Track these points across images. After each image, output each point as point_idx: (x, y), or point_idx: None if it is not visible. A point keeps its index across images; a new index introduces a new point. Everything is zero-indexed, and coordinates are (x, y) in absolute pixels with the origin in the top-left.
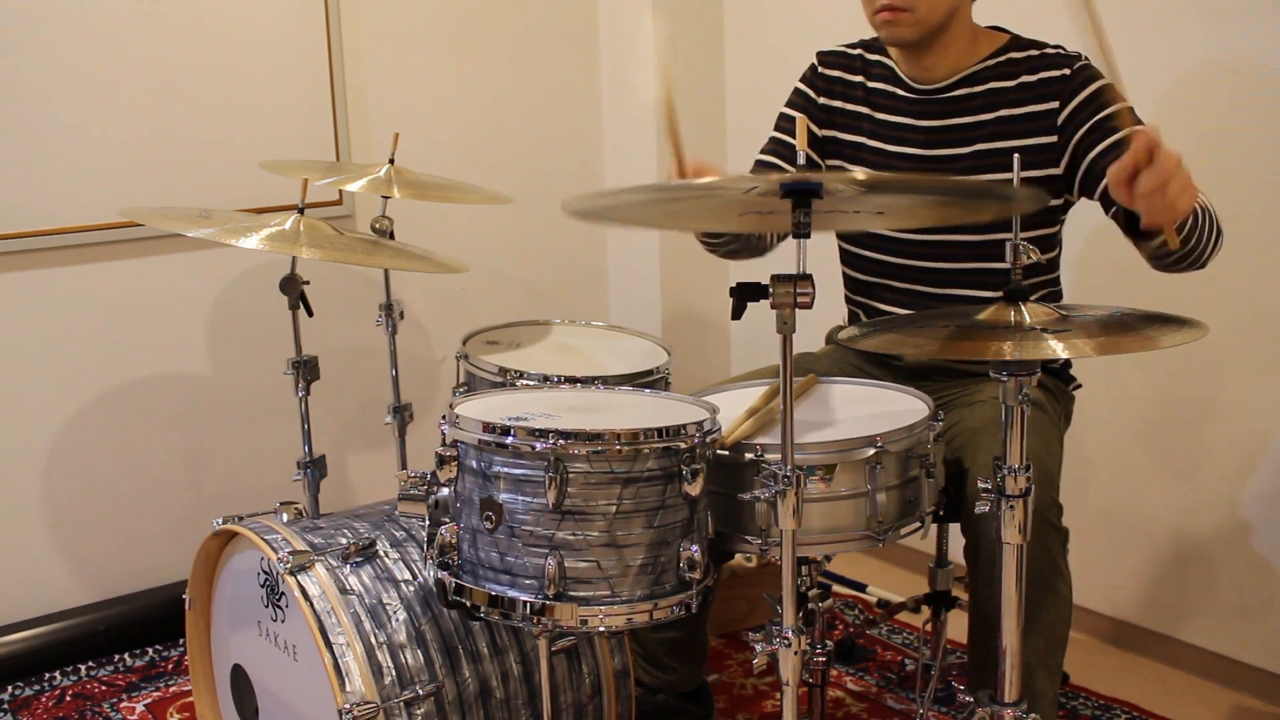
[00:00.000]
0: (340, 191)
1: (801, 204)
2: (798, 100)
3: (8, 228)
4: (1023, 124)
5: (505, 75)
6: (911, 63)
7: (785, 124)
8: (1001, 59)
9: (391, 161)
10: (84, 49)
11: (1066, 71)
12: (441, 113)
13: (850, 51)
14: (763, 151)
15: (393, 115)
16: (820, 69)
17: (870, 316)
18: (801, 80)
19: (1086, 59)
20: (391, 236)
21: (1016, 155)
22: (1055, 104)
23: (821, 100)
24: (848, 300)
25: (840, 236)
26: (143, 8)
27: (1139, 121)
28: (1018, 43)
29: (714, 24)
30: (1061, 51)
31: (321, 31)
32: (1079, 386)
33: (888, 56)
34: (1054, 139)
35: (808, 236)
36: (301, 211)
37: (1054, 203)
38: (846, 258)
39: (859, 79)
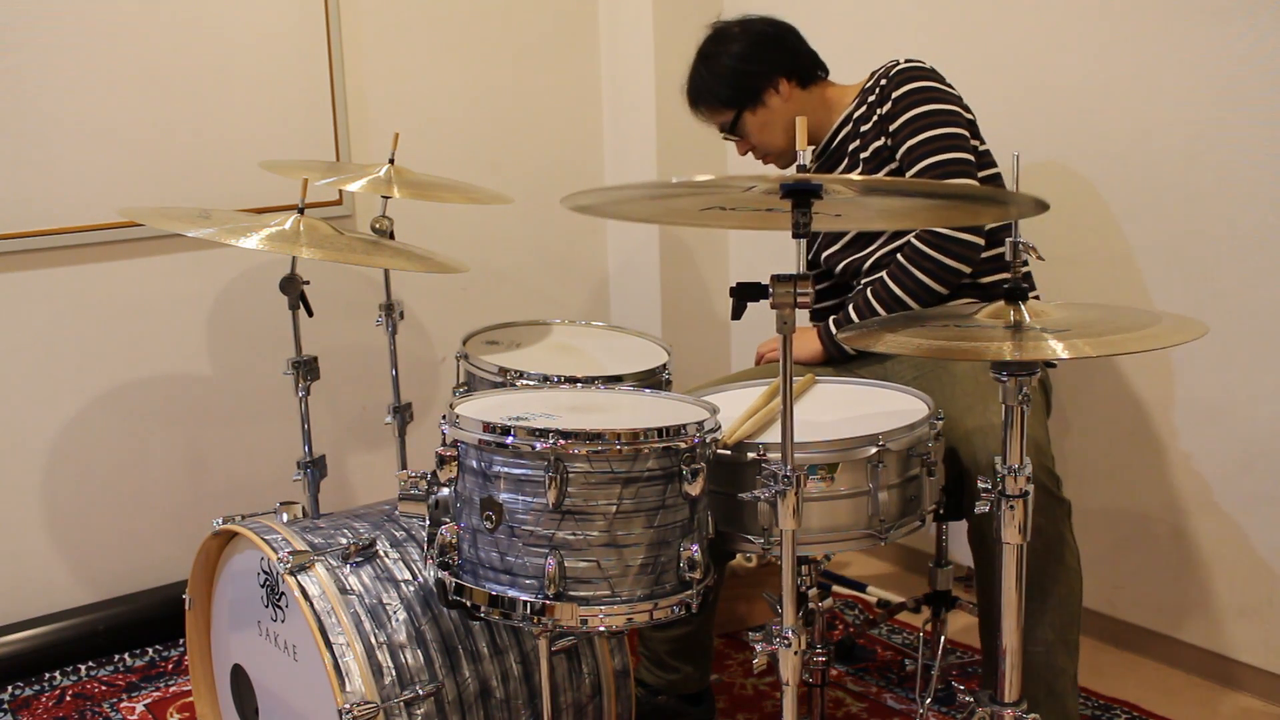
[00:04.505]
0: (340, 191)
1: (801, 204)
2: None
3: (8, 228)
4: (870, 132)
5: (505, 75)
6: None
7: None
8: (860, 93)
9: (391, 161)
10: (84, 49)
11: (884, 80)
12: (441, 113)
13: None
14: None
15: (393, 115)
16: None
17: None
18: None
19: (908, 63)
20: (391, 236)
21: (1016, 155)
22: (879, 109)
23: None
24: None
25: None
26: (142, 8)
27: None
28: (873, 74)
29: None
30: (888, 63)
31: (321, 31)
32: (1052, 365)
33: None
34: (884, 140)
35: (807, 236)
36: (301, 211)
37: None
38: None
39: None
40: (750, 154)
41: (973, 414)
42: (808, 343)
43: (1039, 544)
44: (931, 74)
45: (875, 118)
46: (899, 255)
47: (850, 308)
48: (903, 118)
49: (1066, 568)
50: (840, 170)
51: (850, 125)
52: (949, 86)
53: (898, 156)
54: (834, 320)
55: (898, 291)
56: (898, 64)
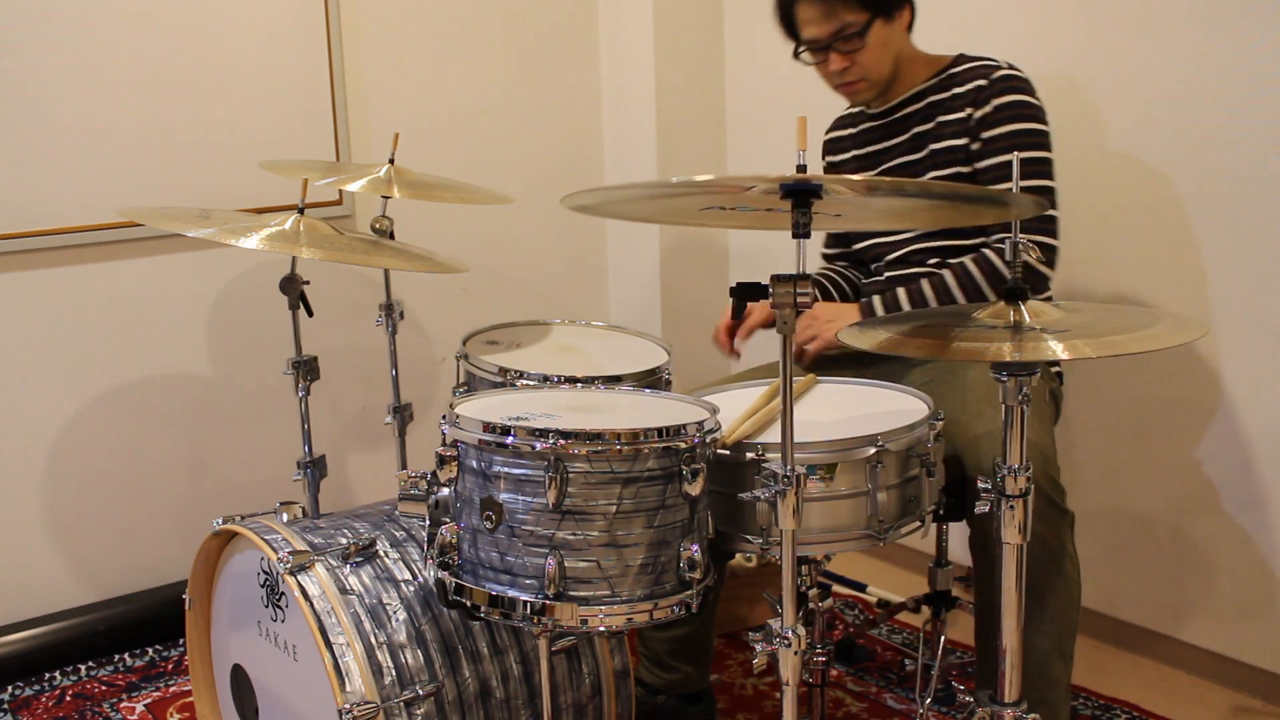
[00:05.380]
0: (340, 191)
1: (801, 205)
2: (826, 171)
3: (8, 228)
4: (951, 127)
5: (505, 75)
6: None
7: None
8: (943, 76)
9: (391, 161)
10: (84, 49)
11: (983, 82)
12: (441, 113)
13: (846, 113)
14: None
15: (393, 115)
16: (825, 136)
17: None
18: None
19: (1011, 70)
20: (391, 236)
21: (1016, 156)
22: (971, 110)
23: (826, 160)
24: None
25: None
26: (143, 8)
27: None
28: (960, 59)
29: (714, 24)
30: (987, 62)
31: (321, 31)
32: (1059, 370)
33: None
34: (965, 141)
35: (808, 236)
36: (301, 211)
37: None
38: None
39: (849, 131)
40: (842, 74)
41: (982, 420)
42: (847, 318)
43: (1039, 553)
44: (1032, 89)
45: (964, 115)
46: (969, 261)
47: (902, 293)
48: (1001, 129)
49: (1066, 578)
50: (900, 146)
51: (922, 105)
52: (1042, 103)
53: (979, 165)
54: (882, 302)
55: (959, 297)
56: (999, 67)
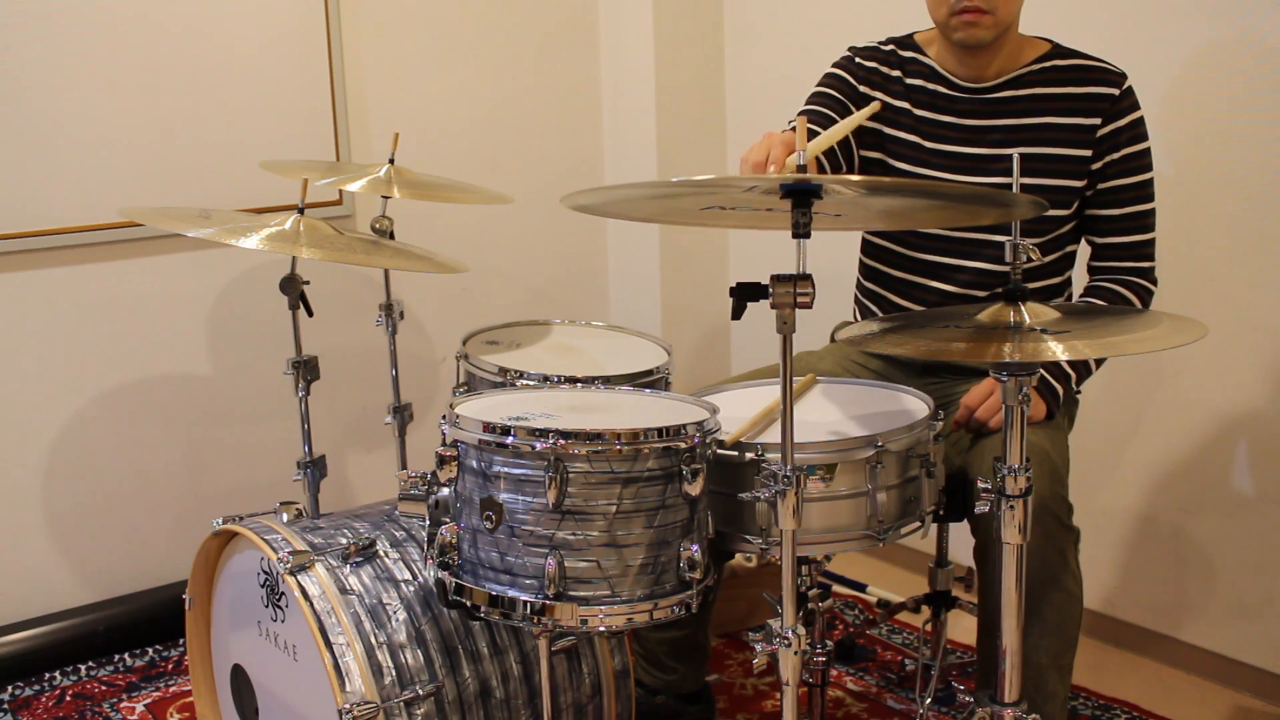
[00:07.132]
0: (340, 191)
1: (801, 204)
2: (833, 82)
3: (8, 228)
4: (1066, 133)
5: (505, 75)
6: (964, 61)
7: (818, 100)
8: (1046, 65)
9: (391, 161)
10: (84, 49)
11: (1115, 92)
12: (441, 113)
13: (883, 47)
14: (808, 103)
15: (393, 115)
16: (857, 59)
17: (882, 309)
18: (837, 66)
19: (1128, 79)
20: (391, 236)
21: (1016, 156)
22: (1098, 120)
23: (862, 89)
24: (860, 289)
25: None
26: (142, 8)
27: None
28: (1060, 51)
29: (714, 24)
30: (1108, 68)
31: (321, 31)
32: (1079, 391)
33: (924, 54)
34: (1088, 153)
35: (808, 236)
36: (301, 211)
37: (1061, 212)
38: (867, 247)
39: (896, 73)
40: None
41: (996, 437)
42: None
43: (1041, 567)
44: None
45: (1087, 124)
46: (1130, 295)
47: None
48: (1129, 149)
49: (1067, 594)
50: (994, 131)
51: (1025, 93)
52: None
53: (1102, 186)
54: (1053, 377)
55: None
56: (1123, 75)
